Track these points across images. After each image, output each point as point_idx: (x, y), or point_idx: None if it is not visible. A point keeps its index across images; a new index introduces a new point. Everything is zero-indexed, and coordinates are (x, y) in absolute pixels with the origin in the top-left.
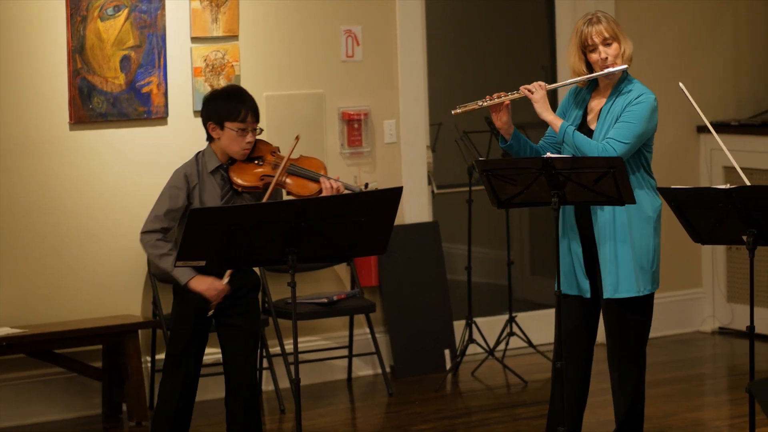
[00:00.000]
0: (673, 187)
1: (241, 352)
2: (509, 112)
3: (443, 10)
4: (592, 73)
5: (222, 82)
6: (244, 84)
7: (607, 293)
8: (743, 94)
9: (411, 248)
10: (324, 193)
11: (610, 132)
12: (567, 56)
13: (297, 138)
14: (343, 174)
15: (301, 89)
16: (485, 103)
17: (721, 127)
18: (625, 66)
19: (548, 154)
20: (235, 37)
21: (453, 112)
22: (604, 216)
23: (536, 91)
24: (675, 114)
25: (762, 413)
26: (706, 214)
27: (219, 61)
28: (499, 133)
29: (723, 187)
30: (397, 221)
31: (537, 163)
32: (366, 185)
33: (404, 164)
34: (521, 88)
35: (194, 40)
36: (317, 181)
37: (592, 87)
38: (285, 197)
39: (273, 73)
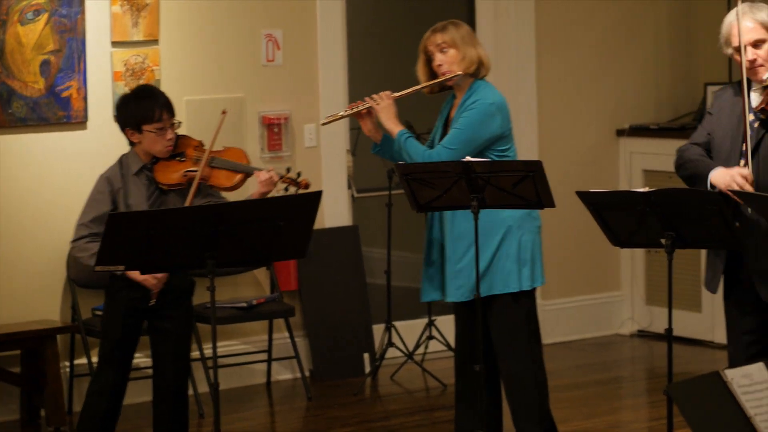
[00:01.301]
0: (591, 190)
1: (171, 356)
2: (372, 119)
3: (364, 14)
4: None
5: None
6: (164, 88)
7: (454, 297)
8: (663, 97)
9: (330, 252)
10: (260, 187)
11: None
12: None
13: (224, 112)
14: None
15: (222, 93)
16: (346, 113)
17: (641, 131)
18: (459, 73)
19: (468, 158)
20: (155, 42)
21: (321, 123)
22: (459, 221)
23: (381, 101)
24: (594, 117)
25: (680, 415)
26: (624, 217)
27: (139, 66)
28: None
29: (642, 190)
30: (317, 225)
31: (456, 166)
32: (288, 169)
33: (324, 168)
34: (366, 98)
35: (115, 44)
36: (240, 172)
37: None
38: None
39: (193, 77)
